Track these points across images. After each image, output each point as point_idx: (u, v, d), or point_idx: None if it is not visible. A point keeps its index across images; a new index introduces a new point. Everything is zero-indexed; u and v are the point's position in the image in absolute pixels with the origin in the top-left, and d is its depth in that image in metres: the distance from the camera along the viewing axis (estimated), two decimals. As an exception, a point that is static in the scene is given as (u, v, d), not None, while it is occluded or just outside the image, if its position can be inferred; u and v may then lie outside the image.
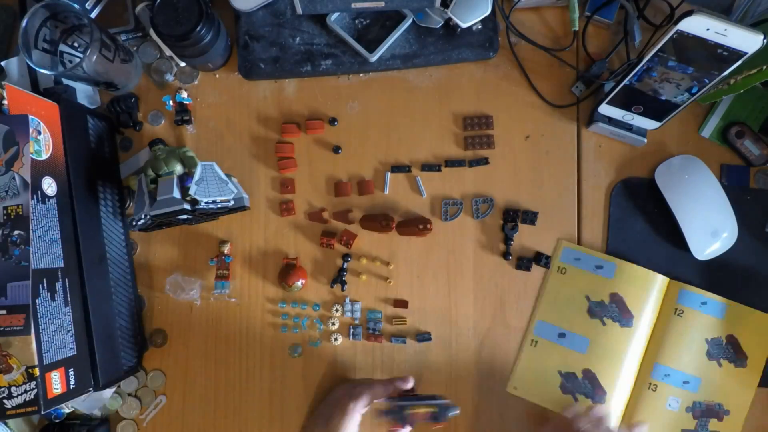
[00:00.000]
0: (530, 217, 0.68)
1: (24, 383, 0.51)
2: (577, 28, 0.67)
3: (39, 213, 0.54)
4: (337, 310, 0.68)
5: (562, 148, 0.69)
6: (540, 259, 0.67)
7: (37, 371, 0.51)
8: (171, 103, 0.69)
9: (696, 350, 0.66)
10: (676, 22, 0.52)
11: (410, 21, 0.67)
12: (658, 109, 0.63)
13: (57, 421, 0.67)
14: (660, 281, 0.67)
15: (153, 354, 0.69)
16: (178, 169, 0.61)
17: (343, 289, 0.68)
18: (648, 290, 0.67)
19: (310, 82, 0.70)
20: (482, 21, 0.66)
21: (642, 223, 0.68)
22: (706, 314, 0.66)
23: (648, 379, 0.66)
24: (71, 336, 0.56)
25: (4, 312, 0.51)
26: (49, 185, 0.56)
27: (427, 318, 0.68)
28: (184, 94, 0.69)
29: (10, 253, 0.52)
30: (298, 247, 0.69)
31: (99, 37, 0.59)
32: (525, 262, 0.68)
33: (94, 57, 0.59)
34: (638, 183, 0.69)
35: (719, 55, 0.54)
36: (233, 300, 0.69)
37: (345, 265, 0.68)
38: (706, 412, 0.66)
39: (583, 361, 0.66)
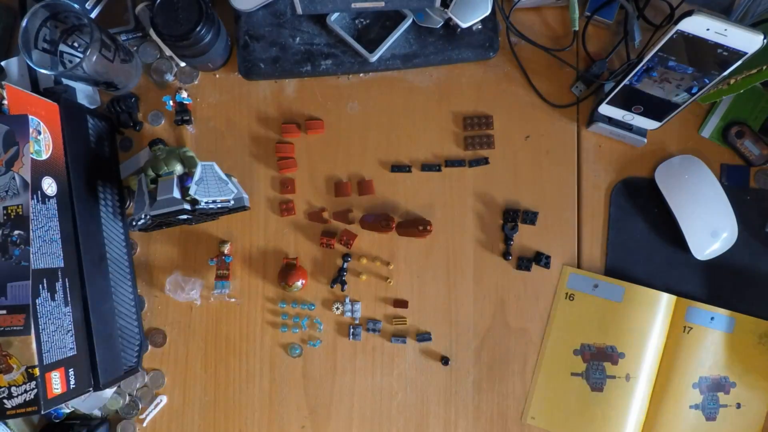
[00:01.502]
0: (530, 217, 0.68)
1: (24, 383, 0.51)
2: (577, 28, 0.67)
3: (39, 213, 0.54)
4: (337, 309, 0.68)
5: (562, 148, 0.69)
6: (540, 259, 0.67)
7: (37, 371, 0.51)
8: (171, 103, 0.69)
9: (707, 367, 0.66)
10: (676, 22, 0.52)
11: (410, 21, 0.66)
12: (658, 109, 0.63)
13: (57, 421, 0.67)
14: (667, 300, 0.67)
15: (153, 354, 0.69)
16: (178, 169, 0.61)
17: (343, 289, 0.68)
18: (656, 311, 0.66)
19: (310, 82, 0.70)
20: (482, 21, 0.66)
21: (642, 223, 0.68)
22: (715, 329, 0.66)
23: (666, 398, 0.66)
24: (71, 336, 0.56)
25: (4, 312, 0.51)
26: (49, 185, 0.56)
27: (427, 318, 0.68)
28: (184, 94, 0.69)
29: (10, 253, 0.52)
30: (298, 247, 0.69)
31: (99, 37, 0.59)
32: (525, 262, 0.68)
33: (94, 57, 0.59)
34: (638, 183, 0.69)
35: (719, 55, 0.54)
36: (233, 300, 0.69)
37: (345, 265, 0.68)
38: (712, 386, 0.66)
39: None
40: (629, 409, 0.66)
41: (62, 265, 0.56)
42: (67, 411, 0.67)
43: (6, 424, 0.65)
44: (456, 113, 0.70)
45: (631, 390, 0.66)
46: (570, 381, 0.66)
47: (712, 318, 0.66)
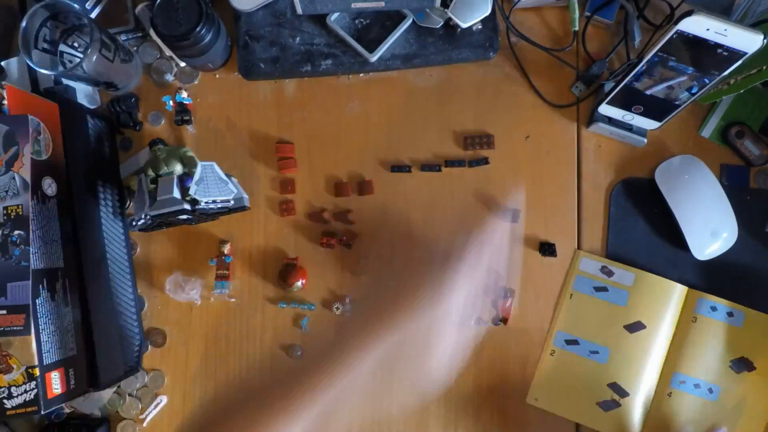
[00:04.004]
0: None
1: (24, 383, 0.51)
2: (577, 28, 0.67)
3: (39, 213, 0.54)
4: (337, 309, 0.68)
5: (562, 148, 0.69)
6: (544, 249, 0.67)
7: (37, 371, 0.51)
8: (171, 103, 0.69)
9: (715, 358, 0.66)
10: (676, 22, 0.52)
11: (410, 21, 0.67)
12: (658, 109, 0.63)
13: (57, 421, 0.67)
14: (679, 290, 0.67)
15: (153, 354, 0.69)
16: (178, 169, 0.61)
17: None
18: (666, 299, 0.66)
19: (310, 82, 0.70)
20: (482, 21, 0.66)
21: (642, 223, 0.68)
22: (724, 323, 0.66)
23: (667, 388, 0.66)
24: (71, 336, 0.56)
25: (4, 312, 0.51)
26: (49, 185, 0.56)
27: (427, 318, 0.68)
28: (184, 94, 0.69)
29: (10, 253, 0.52)
30: (298, 247, 0.69)
31: (99, 37, 0.59)
32: (546, 247, 0.68)
33: (94, 57, 0.59)
34: (638, 183, 0.68)
35: (719, 55, 0.54)
36: (233, 300, 0.69)
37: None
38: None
39: (604, 371, 0.66)
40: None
41: (62, 265, 0.57)
42: (67, 411, 0.67)
43: (6, 424, 0.65)
44: (456, 113, 0.69)
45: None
46: (576, 363, 0.67)
47: (716, 308, 0.66)
